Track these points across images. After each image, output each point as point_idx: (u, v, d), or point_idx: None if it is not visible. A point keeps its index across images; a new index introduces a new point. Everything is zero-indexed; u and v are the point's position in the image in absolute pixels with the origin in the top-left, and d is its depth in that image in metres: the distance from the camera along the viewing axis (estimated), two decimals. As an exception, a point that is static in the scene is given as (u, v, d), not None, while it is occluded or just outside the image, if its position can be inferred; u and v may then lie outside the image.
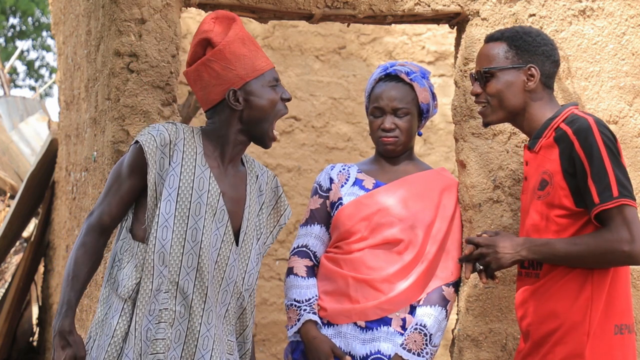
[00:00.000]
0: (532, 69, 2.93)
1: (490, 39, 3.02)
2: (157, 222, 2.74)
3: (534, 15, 3.36)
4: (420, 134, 3.44)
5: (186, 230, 2.76)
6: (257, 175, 2.98)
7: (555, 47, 3.00)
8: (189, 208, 2.76)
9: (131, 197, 2.81)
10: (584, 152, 2.78)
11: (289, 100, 2.89)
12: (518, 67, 2.94)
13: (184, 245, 2.75)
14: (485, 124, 3.04)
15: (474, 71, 3.05)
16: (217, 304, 2.82)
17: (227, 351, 2.85)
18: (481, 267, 2.93)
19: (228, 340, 2.86)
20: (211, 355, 2.77)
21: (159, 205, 2.75)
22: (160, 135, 2.76)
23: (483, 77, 2.97)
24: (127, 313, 2.76)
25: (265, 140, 2.89)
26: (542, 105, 2.95)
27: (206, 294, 2.78)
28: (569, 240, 2.81)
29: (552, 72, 2.98)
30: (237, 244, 2.86)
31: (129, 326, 2.75)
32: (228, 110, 2.84)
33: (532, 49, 2.95)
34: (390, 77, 3.35)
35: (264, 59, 2.87)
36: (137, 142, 2.77)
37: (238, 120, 2.85)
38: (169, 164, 2.77)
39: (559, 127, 2.87)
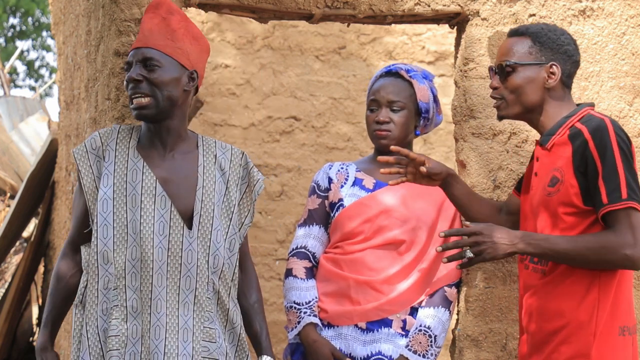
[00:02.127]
0: (554, 66, 2.91)
1: (515, 33, 2.99)
2: (97, 222, 2.78)
3: (534, 15, 3.36)
4: (417, 134, 3.41)
5: (127, 224, 2.78)
6: (215, 155, 2.94)
7: (577, 47, 2.98)
8: (126, 202, 2.78)
9: (87, 210, 2.87)
10: (597, 152, 2.76)
11: (133, 80, 2.80)
12: (540, 63, 2.92)
13: (127, 240, 2.77)
14: (500, 118, 3.01)
15: (493, 64, 3.03)
16: (180, 291, 2.80)
17: (206, 339, 2.82)
18: (471, 255, 2.83)
19: (205, 327, 2.83)
20: (165, 344, 2.75)
21: (95, 207, 2.79)
22: (91, 140, 2.85)
23: (504, 70, 2.95)
24: (80, 317, 2.83)
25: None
26: (559, 103, 2.93)
27: (152, 283, 2.77)
28: (570, 238, 2.79)
29: (572, 72, 2.97)
30: (189, 228, 2.84)
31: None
32: None
33: (555, 47, 2.92)
34: (390, 74, 3.36)
35: (136, 42, 2.86)
36: None
37: None
38: (103, 165, 2.82)
39: (574, 125, 2.85)
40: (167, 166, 2.85)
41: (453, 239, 3.02)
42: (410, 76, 3.32)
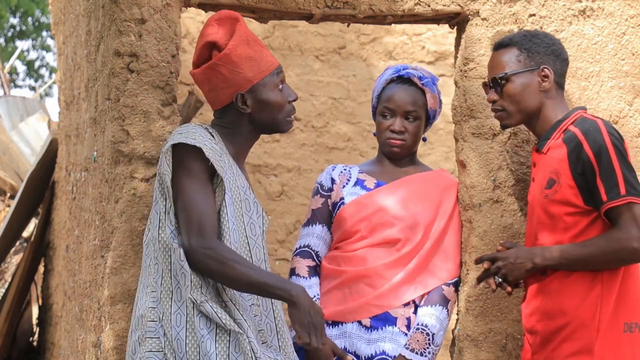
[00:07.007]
0: (546, 69, 2.98)
1: (500, 46, 3.05)
2: (228, 227, 2.77)
3: (534, 15, 3.36)
4: (424, 140, 3.45)
5: (245, 228, 2.83)
6: None
7: (562, 45, 3.05)
8: (241, 207, 2.84)
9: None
10: (592, 152, 2.81)
11: (295, 100, 2.94)
12: (532, 69, 2.98)
13: (248, 242, 2.83)
14: (504, 127, 3.09)
15: (487, 80, 3.09)
16: None
17: None
18: (500, 280, 2.97)
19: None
20: (286, 337, 2.90)
21: (226, 212, 2.77)
22: (209, 143, 2.78)
23: (499, 83, 2.99)
24: (225, 313, 2.73)
25: (280, 130, 2.95)
26: (555, 106, 2.99)
27: None
28: (580, 244, 2.84)
29: (563, 71, 3.03)
30: None
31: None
32: (237, 112, 2.89)
33: (542, 50, 2.99)
34: (402, 79, 3.36)
35: (269, 58, 2.89)
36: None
37: (248, 122, 2.90)
38: (222, 167, 2.82)
39: (568, 129, 2.91)
40: (242, 173, 2.93)
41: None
42: (422, 84, 3.34)
